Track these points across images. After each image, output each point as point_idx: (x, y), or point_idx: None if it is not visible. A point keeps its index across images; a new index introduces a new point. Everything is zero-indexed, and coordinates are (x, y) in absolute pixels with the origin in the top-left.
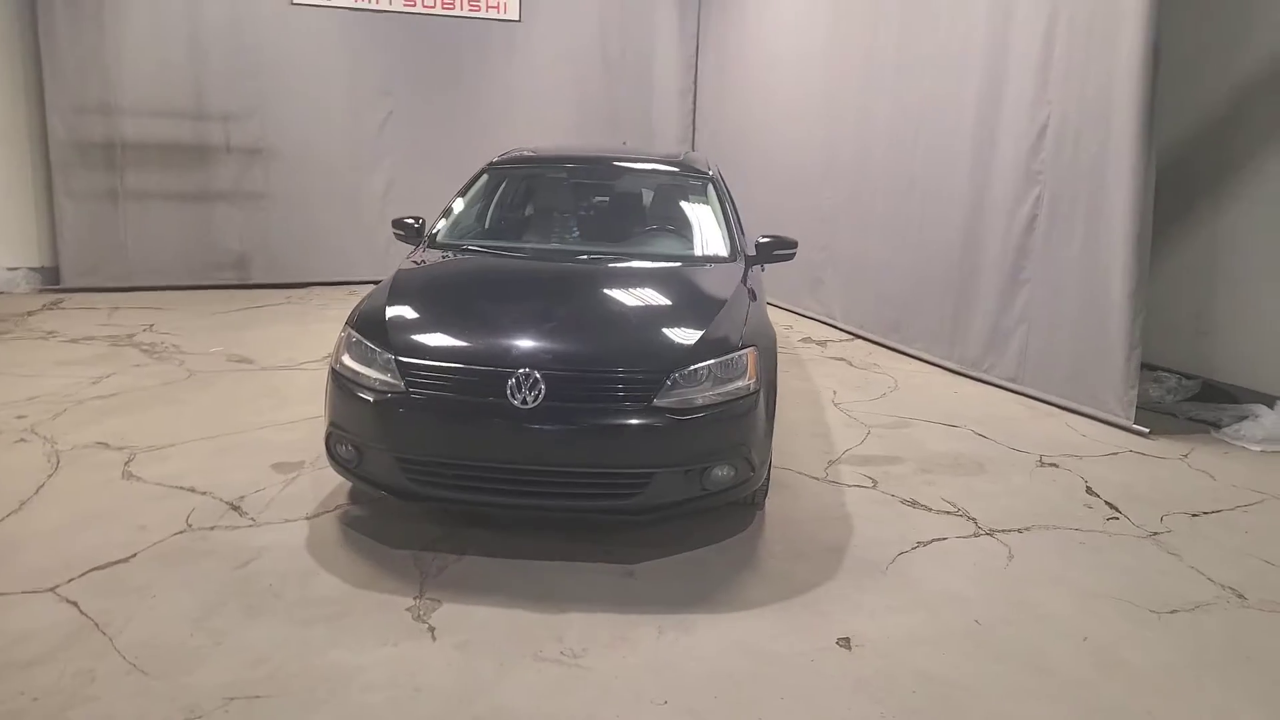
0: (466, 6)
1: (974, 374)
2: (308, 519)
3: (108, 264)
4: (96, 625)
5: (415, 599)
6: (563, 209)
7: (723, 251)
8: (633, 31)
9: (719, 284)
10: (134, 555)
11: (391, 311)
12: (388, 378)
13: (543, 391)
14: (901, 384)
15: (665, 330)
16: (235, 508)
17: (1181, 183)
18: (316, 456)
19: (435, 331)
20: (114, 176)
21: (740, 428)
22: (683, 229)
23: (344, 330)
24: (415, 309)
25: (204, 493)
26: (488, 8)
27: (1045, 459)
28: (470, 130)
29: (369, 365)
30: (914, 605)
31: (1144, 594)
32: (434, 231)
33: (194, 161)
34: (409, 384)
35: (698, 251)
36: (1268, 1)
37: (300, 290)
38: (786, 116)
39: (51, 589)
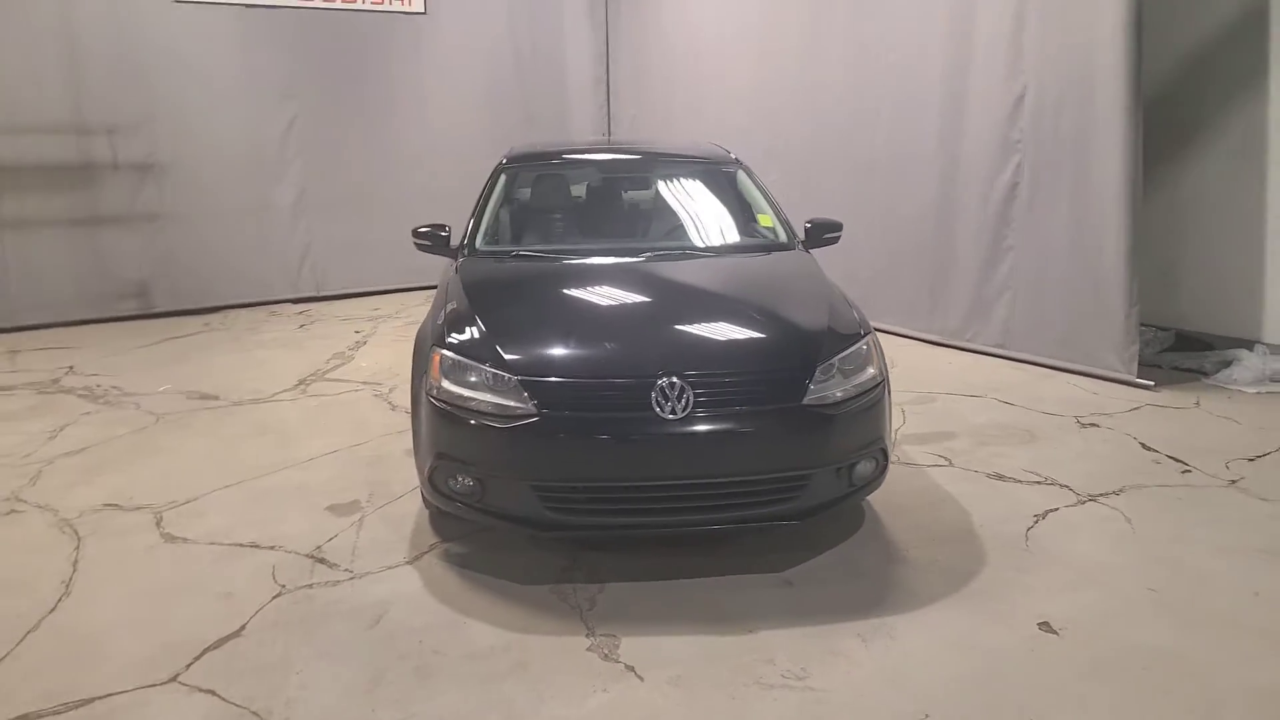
0: (369, 1)
1: (956, 343)
2: (409, 563)
3: None
4: (256, 715)
5: (588, 636)
6: (602, 205)
7: (782, 237)
8: (541, 21)
9: (804, 272)
10: (243, 628)
11: (490, 329)
12: (512, 401)
13: (690, 399)
14: (893, 359)
15: (793, 324)
16: (320, 560)
17: (1148, 140)
18: (369, 495)
19: (553, 346)
20: None
21: (877, 418)
22: (733, 218)
23: (435, 353)
24: (515, 324)
25: (270, 547)
26: (392, 1)
27: (1082, 420)
28: (383, 131)
29: (484, 390)
30: (1080, 580)
31: (1269, 542)
32: (467, 241)
33: (79, 182)
34: (539, 405)
35: (758, 240)
36: None
37: (214, 315)
38: (719, 99)
39: (173, 679)
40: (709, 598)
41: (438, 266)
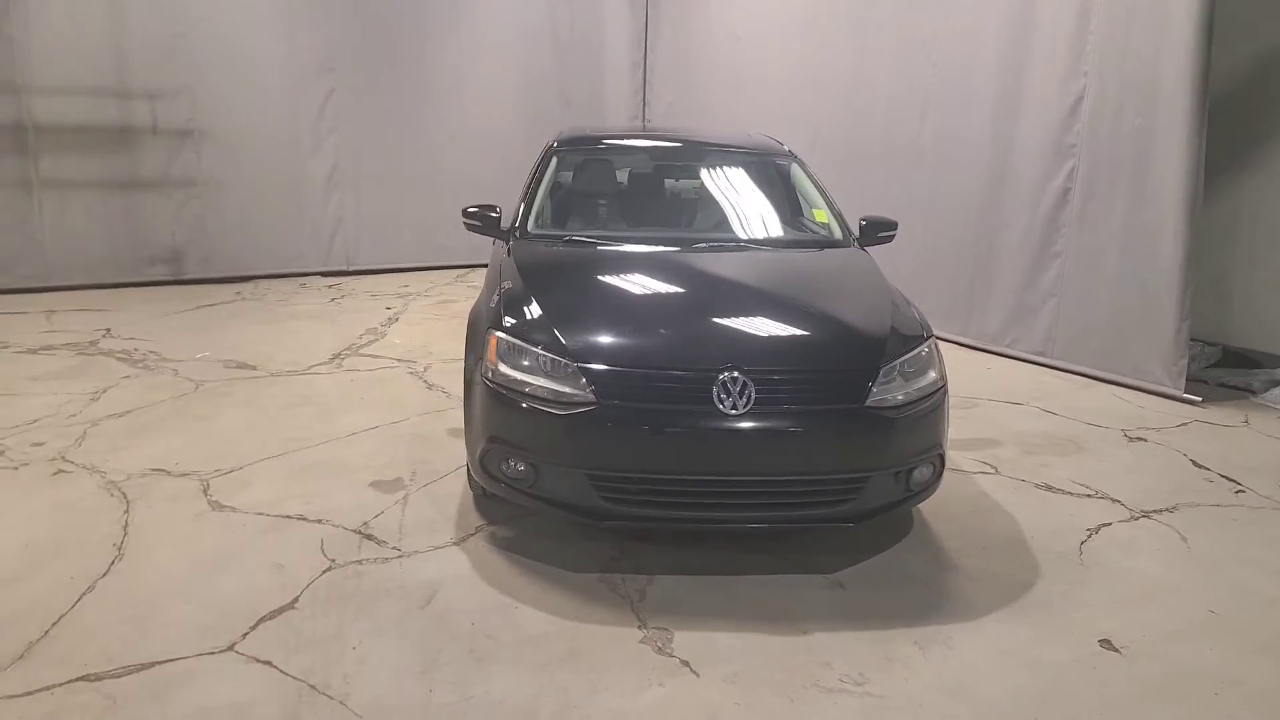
0: None
1: (994, 349)
2: (456, 544)
3: (21, 262)
4: (314, 689)
5: (640, 628)
6: (655, 194)
7: (837, 234)
8: (581, 2)
9: (863, 270)
10: (296, 600)
11: (549, 314)
12: (571, 388)
13: (752, 395)
14: None
15: (856, 324)
16: (367, 536)
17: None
18: (412, 473)
19: (613, 334)
20: (26, 164)
21: (936, 423)
22: (788, 212)
23: (492, 335)
24: (573, 310)
25: (317, 520)
26: None
27: (1129, 433)
28: (418, 109)
29: (541, 375)
30: (1139, 598)
31: None
32: (519, 223)
33: (117, 145)
34: (598, 393)
35: (813, 235)
36: None
37: (245, 285)
38: (760, 88)
39: (230, 648)
40: (759, 596)
41: (469, 246)
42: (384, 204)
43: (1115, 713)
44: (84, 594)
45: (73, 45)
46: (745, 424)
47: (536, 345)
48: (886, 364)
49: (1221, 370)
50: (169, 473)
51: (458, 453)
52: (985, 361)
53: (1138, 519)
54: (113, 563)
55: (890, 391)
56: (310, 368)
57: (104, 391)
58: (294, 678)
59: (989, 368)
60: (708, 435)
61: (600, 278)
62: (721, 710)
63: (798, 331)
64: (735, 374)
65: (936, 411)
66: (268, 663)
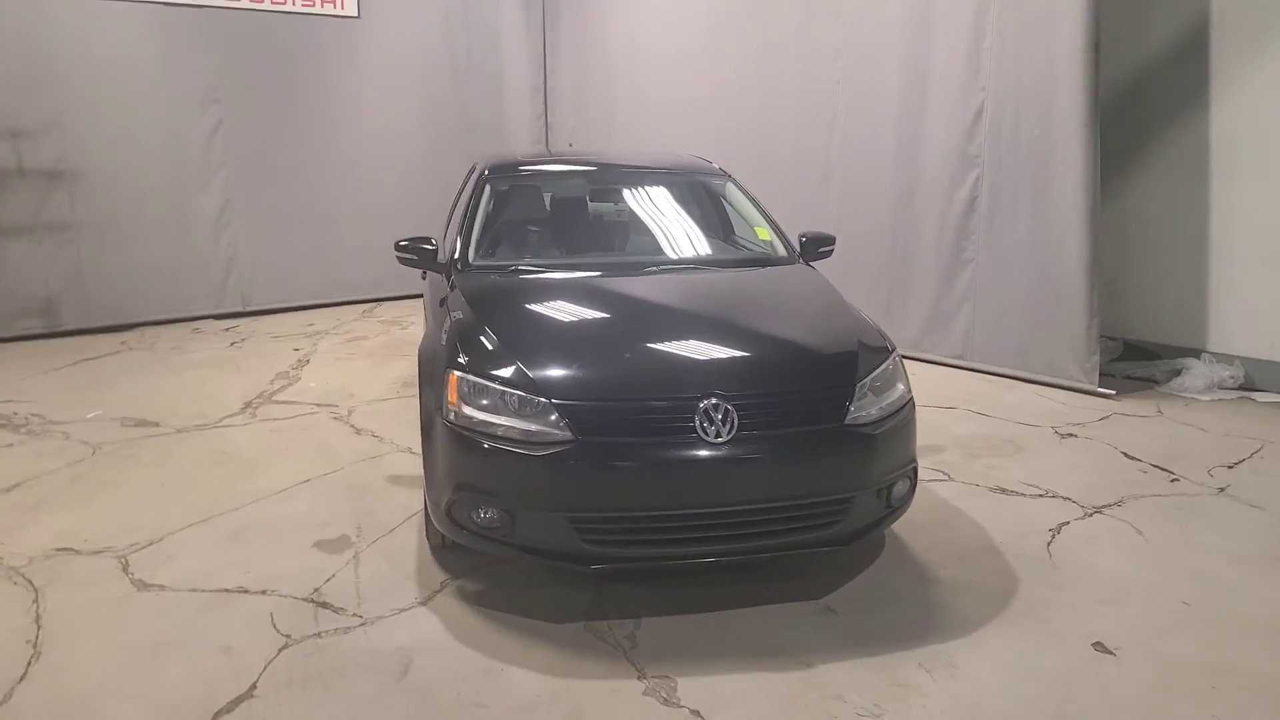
0: (299, 2)
1: (914, 355)
2: (422, 604)
3: None
4: None
5: (640, 679)
6: (596, 219)
7: (782, 251)
8: (478, 28)
9: (819, 286)
10: (253, 687)
11: (513, 349)
12: (545, 426)
13: (735, 421)
14: None
15: (829, 343)
16: (321, 604)
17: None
18: (357, 528)
19: (584, 367)
20: None
21: (909, 437)
22: (732, 230)
23: (451, 375)
24: (538, 344)
25: (261, 592)
26: (323, 3)
27: (1059, 430)
28: (314, 139)
29: (510, 414)
30: (1115, 596)
31: (1276, 549)
32: (458, 255)
33: None
34: (575, 430)
35: (760, 253)
36: None
37: (130, 333)
38: (665, 111)
39: None
40: (752, 629)
41: (372, 280)
42: (281, 239)
43: (1128, 712)
44: (1, 703)
45: None
46: (729, 451)
47: (502, 383)
48: (860, 381)
49: (1125, 363)
50: (78, 551)
51: (403, 502)
52: (909, 368)
53: (1091, 515)
54: (30, 663)
55: (865, 408)
56: (221, 420)
57: None
58: None
59: (913, 374)
60: (693, 466)
61: (558, 308)
62: None
63: (771, 353)
64: (715, 400)
65: (909, 425)
66: None
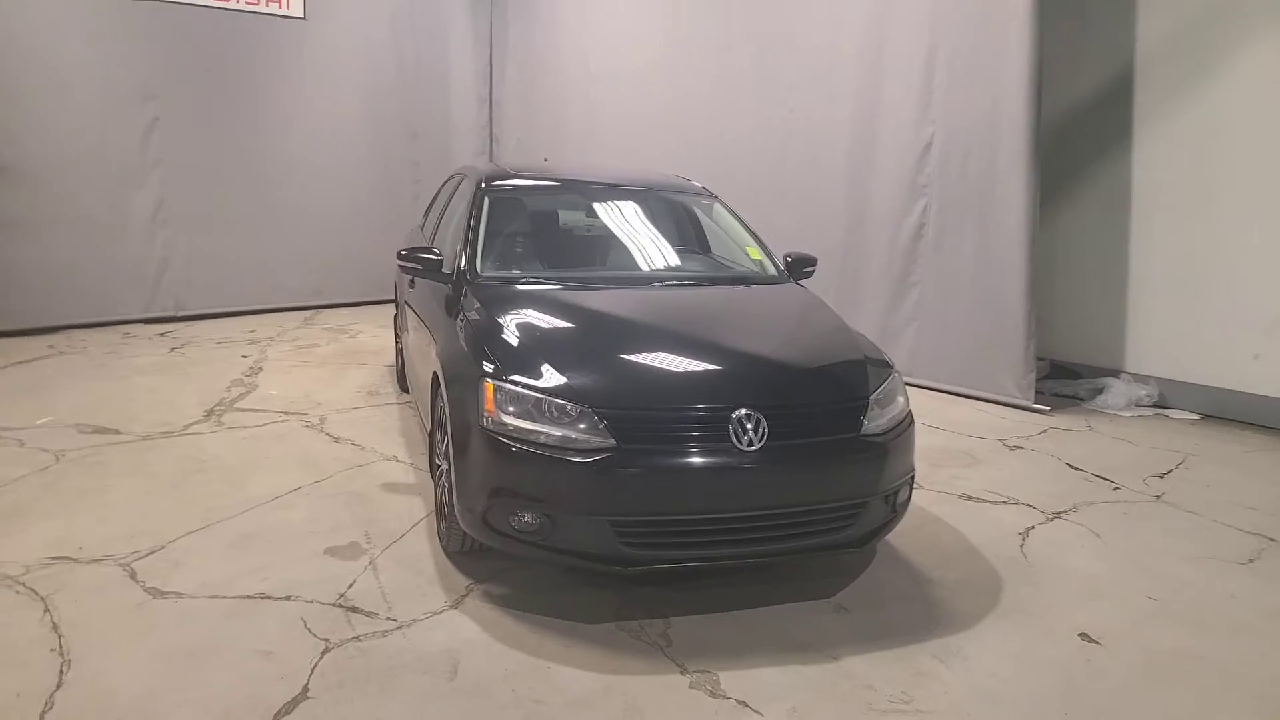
0: (243, 1)
1: None
2: (453, 607)
3: None
4: None
5: (683, 674)
6: (602, 233)
7: (772, 269)
8: (425, 34)
9: (818, 304)
10: (306, 688)
11: (547, 357)
12: (587, 434)
13: (766, 431)
14: None
15: (843, 358)
16: (352, 609)
17: None
18: (366, 535)
19: (621, 376)
20: None
21: (911, 447)
22: (726, 249)
23: (488, 383)
24: (571, 352)
25: (285, 598)
26: (268, 3)
27: (1007, 443)
28: (256, 140)
29: (552, 422)
30: (1090, 593)
31: (1216, 549)
32: (465, 266)
33: None
34: (616, 438)
35: (755, 271)
36: (1100, 32)
37: (56, 336)
38: (618, 127)
39: None
40: (776, 626)
41: (311, 287)
42: (218, 242)
43: (1132, 699)
44: (44, 712)
45: None
46: (760, 459)
47: (543, 391)
48: (872, 393)
49: (1053, 381)
50: (76, 560)
51: (405, 509)
52: None
53: (1052, 520)
54: (62, 671)
55: (875, 420)
56: (186, 427)
57: None
58: None
59: None
60: (728, 472)
61: (580, 319)
62: None
63: (795, 366)
64: (747, 410)
65: (910, 436)
66: None
